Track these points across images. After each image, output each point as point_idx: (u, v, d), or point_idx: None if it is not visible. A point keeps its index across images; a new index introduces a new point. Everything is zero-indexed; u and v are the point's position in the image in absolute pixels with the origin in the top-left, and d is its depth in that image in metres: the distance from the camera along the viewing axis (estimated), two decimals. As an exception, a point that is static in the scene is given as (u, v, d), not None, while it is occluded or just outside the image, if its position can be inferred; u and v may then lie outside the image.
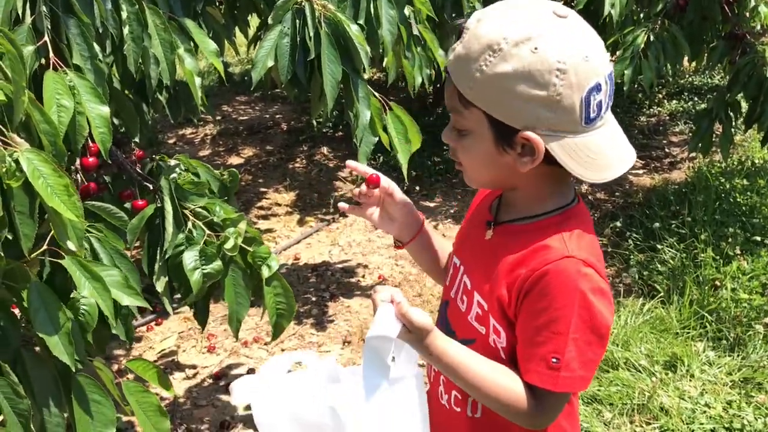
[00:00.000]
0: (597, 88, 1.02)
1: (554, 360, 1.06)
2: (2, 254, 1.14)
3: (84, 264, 1.24)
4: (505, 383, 1.10)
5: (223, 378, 2.78)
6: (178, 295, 3.06)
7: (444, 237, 1.51)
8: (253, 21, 3.77)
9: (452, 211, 4.19)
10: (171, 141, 5.29)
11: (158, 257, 1.76)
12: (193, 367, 2.86)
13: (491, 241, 1.18)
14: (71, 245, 1.20)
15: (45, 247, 1.27)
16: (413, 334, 1.06)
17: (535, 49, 0.99)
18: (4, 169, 1.10)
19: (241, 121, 5.69)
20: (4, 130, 1.14)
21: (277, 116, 5.77)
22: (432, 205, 4.27)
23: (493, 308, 1.14)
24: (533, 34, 1.00)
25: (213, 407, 2.64)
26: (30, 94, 1.19)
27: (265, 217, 4.19)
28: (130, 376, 2.18)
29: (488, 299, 1.14)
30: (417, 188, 4.45)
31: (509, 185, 1.16)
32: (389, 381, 1.06)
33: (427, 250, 1.38)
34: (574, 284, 1.05)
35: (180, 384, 2.76)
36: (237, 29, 2.88)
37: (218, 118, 5.63)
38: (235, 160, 4.98)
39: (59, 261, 1.26)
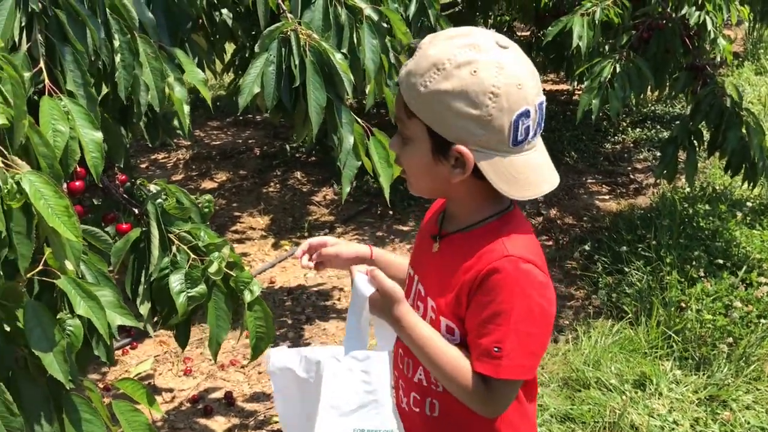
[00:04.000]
0: (526, 114, 1.14)
1: (496, 349, 1.17)
2: (2, 273, 1.16)
3: (79, 283, 1.27)
4: (460, 363, 1.20)
5: (200, 401, 2.78)
6: (155, 318, 3.06)
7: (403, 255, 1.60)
8: (229, 47, 3.84)
9: (425, 235, 4.25)
10: (144, 165, 5.29)
11: (143, 280, 1.79)
12: (170, 390, 2.86)
13: (439, 253, 1.30)
14: (69, 265, 1.23)
15: (40, 266, 1.29)
16: (385, 300, 1.21)
17: (474, 72, 1.11)
18: (5, 191, 1.13)
19: (213, 145, 5.70)
20: (5, 152, 1.17)
21: (250, 141, 5.80)
22: (405, 228, 4.34)
23: (444, 311, 1.25)
24: (474, 59, 1.12)
25: (191, 430, 2.64)
26: (30, 118, 1.23)
27: (240, 241, 4.21)
28: (106, 400, 2.18)
29: (440, 303, 1.26)
30: (390, 212, 4.51)
31: (446, 194, 1.29)
32: (365, 345, 1.23)
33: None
34: (515, 280, 1.17)
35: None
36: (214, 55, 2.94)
37: (190, 142, 5.64)
38: (208, 184, 5.00)
39: (55, 281, 1.29)
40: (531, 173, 1.19)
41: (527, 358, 1.19)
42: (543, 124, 1.20)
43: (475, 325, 1.20)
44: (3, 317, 1.27)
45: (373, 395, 1.19)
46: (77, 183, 1.70)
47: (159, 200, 1.77)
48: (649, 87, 3.68)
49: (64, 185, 1.56)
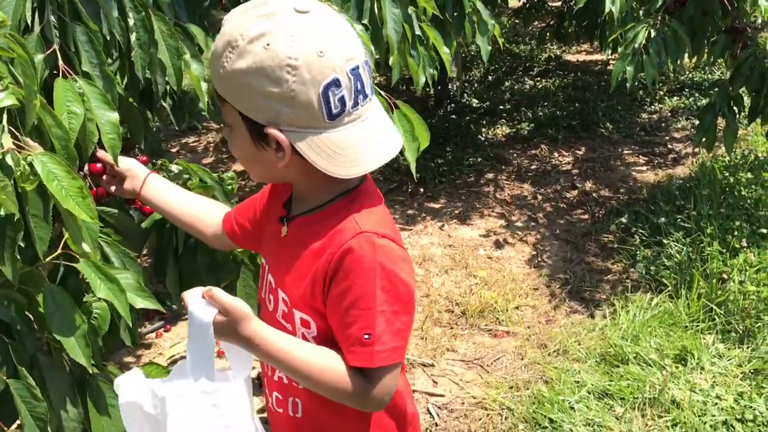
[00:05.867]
0: (335, 83, 1.02)
1: (366, 336, 1.07)
2: (18, 257, 1.14)
3: (99, 266, 1.24)
4: (330, 365, 1.09)
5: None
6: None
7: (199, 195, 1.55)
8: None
9: (457, 211, 4.19)
10: (174, 149, 5.30)
11: (169, 260, 1.77)
12: (204, 372, 2.87)
13: (287, 236, 1.19)
14: (86, 247, 1.21)
15: (59, 250, 1.27)
16: (230, 320, 1.05)
17: (267, 45, 1.00)
18: (18, 173, 1.11)
19: (243, 127, 5.70)
20: (17, 134, 1.15)
21: (280, 122, 5.78)
22: (437, 206, 4.28)
23: (297, 302, 1.15)
24: (267, 31, 1.01)
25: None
26: (41, 98, 1.20)
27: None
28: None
29: (291, 294, 1.16)
30: (421, 190, 4.45)
31: (283, 180, 1.18)
32: (216, 377, 1.07)
33: (160, 204, 1.44)
34: (372, 258, 1.06)
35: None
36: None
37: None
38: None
39: (74, 265, 1.27)
40: (358, 147, 1.06)
41: (399, 338, 1.09)
42: (367, 91, 1.07)
43: (338, 315, 1.10)
44: (24, 302, 1.26)
45: (230, 429, 1.08)
46: (98, 165, 1.68)
47: (181, 179, 1.74)
48: (687, 52, 3.54)
49: (86, 167, 1.53)
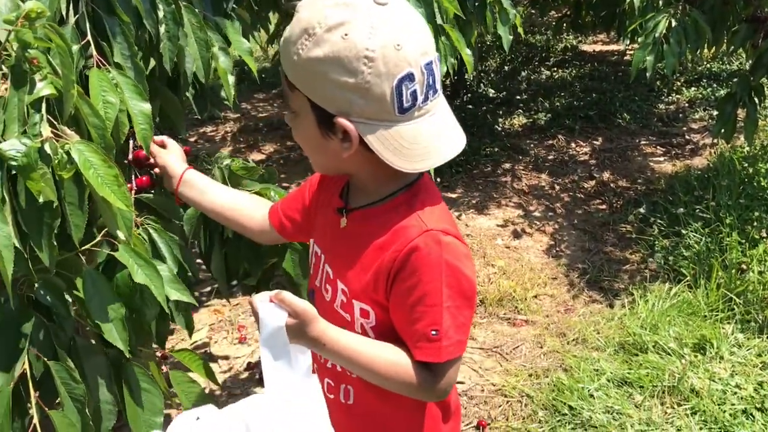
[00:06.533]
0: (409, 77, 1.02)
1: (433, 332, 1.08)
2: (55, 244, 1.17)
3: (137, 252, 1.27)
4: (395, 359, 1.11)
5: (256, 368, 2.82)
6: (207, 288, 3.08)
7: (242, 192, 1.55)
8: (273, 18, 3.82)
9: (474, 201, 4.20)
10: (192, 138, 5.34)
11: (215, 245, 1.78)
12: (226, 357, 2.91)
13: (347, 228, 1.18)
14: (121, 234, 1.23)
15: (99, 237, 1.30)
16: (299, 322, 1.05)
17: (346, 35, 0.99)
18: (56, 161, 1.14)
19: (260, 117, 5.73)
20: (55, 123, 1.17)
21: (296, 112, 5.80)
22: (454, 196, 4.29)
23: (358, 294, 1.15)
24: (346, 20, 1.00)
25: (247, 396, 2.68)
26: (78, 88, 1.22)
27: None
28: (164, 368, 2.22)
29: (352, 286, 1.15)
30: (438, 180, 4.46)
31: (345, 171, 1.17)
32: (291, 383, 1.04)
33: (198, 201, 1.44)
34: (438, 255, 1.07)
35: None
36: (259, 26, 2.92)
37: (238, 115, 5.67)
38: (256, 156, 5.02)
39: (113, 253, 1.30)
40: (426, 142, 1.06)
41: (462, 332, 1.11)
42: (437, 87, 1.07)
43: (403, 310, 1.10)
44: (63, 287, 1.29)
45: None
46: (143, 152, 1.69)
47: (226, 162, 1.75)
48: (707, 42, 3.53)
49: (131, 155, 1.56)
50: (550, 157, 4.75)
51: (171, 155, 1.48)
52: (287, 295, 1.05)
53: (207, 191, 1.44)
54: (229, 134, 5.40)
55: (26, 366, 1.22)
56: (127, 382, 1.40)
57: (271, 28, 3.80)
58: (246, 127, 5.50)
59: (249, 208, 1.44)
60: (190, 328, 1.51)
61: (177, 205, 1.59)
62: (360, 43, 0.99)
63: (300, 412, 1.03)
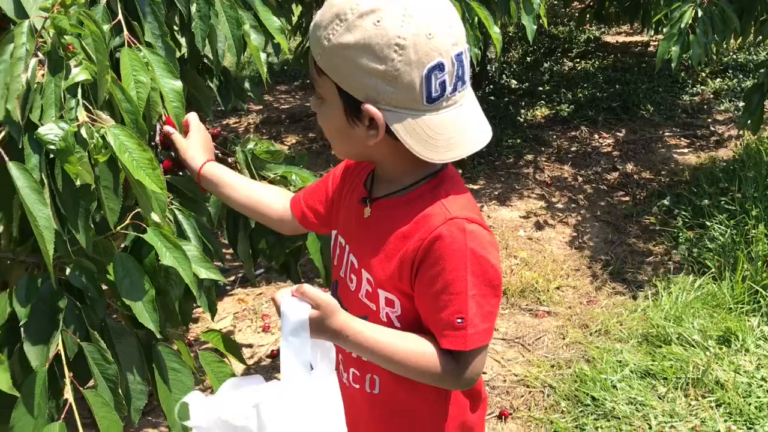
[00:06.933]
0: (439, 67, 1.01)
1: (459, 320, 1.07)
2: (92, 226, 1.19)
3: (166, 235, 1.29)
4: (420, 349, 1.10)
5: (278, 356, 2.84)
6: (240, 274, 3.10)
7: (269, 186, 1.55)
8: (296, 10, 3.83)
9: (496, 193, 4.20)
10: (215, 130, 5.37)
11: (241, 229, 1.80)
12: (250, 346, 2.93)
13: (371, 218, 1.18)
14: (155, 217, 1.25)
15: (128, 221, 1.32)
16: (321, 314, 1.05)
17: (378, 22, 0.99)
18: (92, 145, 1.16)
19: (282, 109, 5.75)
20: (90, 107, 1.19)
21: (318, 104, 5.82)
22: (476, 187, 4.29)
23: (383, 283, 1.14)
24: (379, 7, 1.00)
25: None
26: (112, 73, 1.24)
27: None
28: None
29: (377, 275, 1.15)
30: (460, 171, 4.46)
31: (370, 158, 1.17)
32: (310, 378, 1.05)
33: (219, 189, 1.45)
34: (463, 243, 1.06)
35: (239, 363, 2.83)
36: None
37: (260, 107, 5.70)
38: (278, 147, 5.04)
39: (141, 235, 1.31)
40: (452, 133, 1.06)
41: (489, 320, 1.10)
42: (466, 78, 1.07)
43: (428, 299, 1.10)
44: (95, 270, 1.31)
45: (329, 428, 1.06)
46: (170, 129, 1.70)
47: (249, 146, 1.76)
48: (734, 32, 3.49)
49: (156, 138, 1.57)
50: (573, 149, 4.72)
51: (190, 149, 1.47)
52: (308, 288, 1.05)
53: (225, 185, 1.45)
54: (251, 126, 5.43)
55: (60, 347, 1.24)
56: (158, 363, 1.42)
57: (294, 19, 3.80)
58: (268, 118, 5.52)
59: (268, 199, 1.44)
60: (213, 310, 1.53)
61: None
62: (392, 30, 0.99)
63: (315, 405, 1.04)
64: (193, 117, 1.53)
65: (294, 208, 1.40)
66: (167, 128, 1.49)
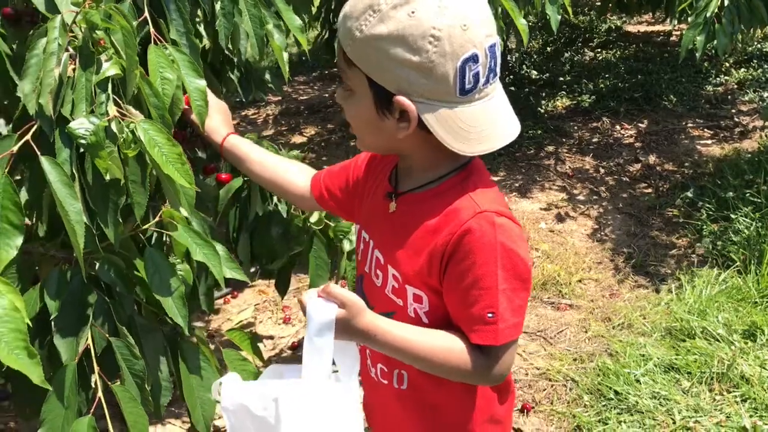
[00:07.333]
0: (474, 58, 1.01)
1: (490, 315, 1.06)
2: (121, 221, 1.19)
3: (196, 232, 1.29)
4: (449, 346, 1.09)
5: (300, 348, 2.85)
6: (252, 269, 3.14)
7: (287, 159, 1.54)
8: (315, 1, 3.82)
9: (517, 184, 4.17)
10: (234, 122, 5.37)
11: (243, 228, 1.82)
12: (271, 337, 2.94)
13: (396, 213, 1.17)
14: (184, 211, 1.25)
15: (157, 218, 1.32)
16: (348, 314, 1.03)
17: (412, 13, 0.98)
18: (122, 139, 1.16)
19: (301, 100, 5.75)
20: (120, 102, 1.19)
21: (337, 95, 5.81)
22: (496, 179, 4.27)
23: (411, 279, 1.13)
24: None
25: (292, 377, 2.72)
26: (141, 68, 1.24)
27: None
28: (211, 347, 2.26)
29: (404, 271, 1.14)
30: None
31: (397, 151, 1.16)
32: (331, 380, 1.04)
33: (242, 158, 1.45)
34: (493, 237, 1.05)
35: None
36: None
37: (279, 98, 5.70)
38: (298, 138, 5.05)
39: (171, 233, 1.32)
40: (483, 126, 1.05)
41: (519, 314, 1.09)
42: (498, 70, 1.06)
43: (458, 294, 1.09)
44: (122, 266, 1.32)
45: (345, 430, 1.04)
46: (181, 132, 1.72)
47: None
48: (761, 21, 3.43)
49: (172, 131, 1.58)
50: (595, 140, 4.68)
51: (210, 122, 1.47)
52: (334, 288, 1.04)
53: (248, 159, 1.45)
54: (270, 117, 5.43)
55: (89, 342, 1.25)
56: (183, 359, 1.43)
57: (313, 10, 3.79)
58: (287, 110, 5.52)
59: (291, 176, 1.44)
60: (210, 308, 1.55)
61: (207, 186, 1.62)
62: (427, 21, 0.98)
63: (333, 407, 1.03)
64: (209, 92, 1.53)
65: (314, 186, 1.40)
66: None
